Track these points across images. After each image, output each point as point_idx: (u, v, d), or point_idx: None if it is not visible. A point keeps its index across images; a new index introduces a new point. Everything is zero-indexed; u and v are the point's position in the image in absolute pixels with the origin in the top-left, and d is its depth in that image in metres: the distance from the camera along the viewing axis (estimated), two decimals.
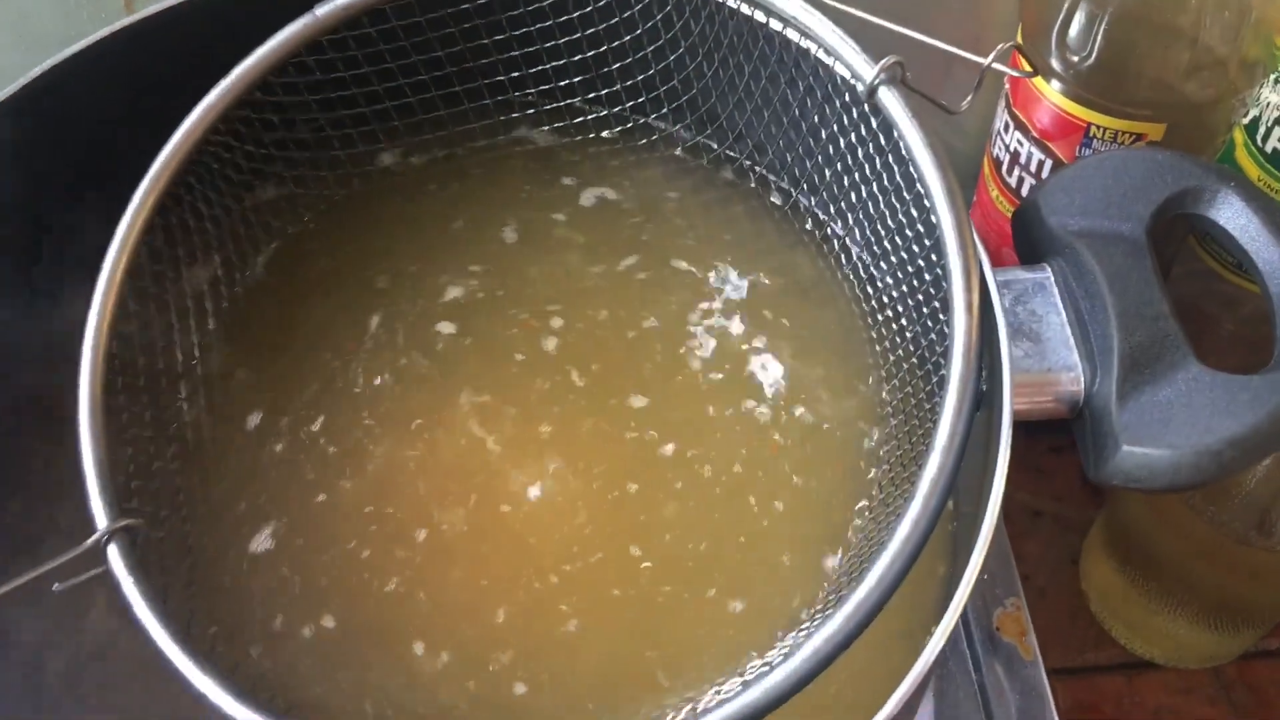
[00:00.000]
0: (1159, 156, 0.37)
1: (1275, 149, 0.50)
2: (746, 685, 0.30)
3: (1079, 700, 0.55)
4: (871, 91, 0.35)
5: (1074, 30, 0.46)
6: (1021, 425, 0.60)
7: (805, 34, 0.37)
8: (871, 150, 0.38)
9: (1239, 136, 0.52)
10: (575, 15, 0.43)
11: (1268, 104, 0.50)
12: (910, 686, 0.28)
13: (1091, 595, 0.57)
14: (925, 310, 0.36)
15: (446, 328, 0.44)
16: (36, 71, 0.40)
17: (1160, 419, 0.33)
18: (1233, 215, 0.35)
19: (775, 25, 0.38)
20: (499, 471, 0.40)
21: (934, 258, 0.35)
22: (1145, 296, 0.34)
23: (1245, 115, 0.51)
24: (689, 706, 0.32)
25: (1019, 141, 0.51)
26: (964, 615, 0.49)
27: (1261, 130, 0.50)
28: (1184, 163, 0.36)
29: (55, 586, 0.32)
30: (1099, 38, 0.46)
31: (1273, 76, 0.49)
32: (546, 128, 0.47)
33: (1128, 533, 0.53)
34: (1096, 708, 0.55)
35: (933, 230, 0.33)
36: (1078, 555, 0.58)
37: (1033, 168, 0.51)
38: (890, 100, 0.35)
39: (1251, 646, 0.55)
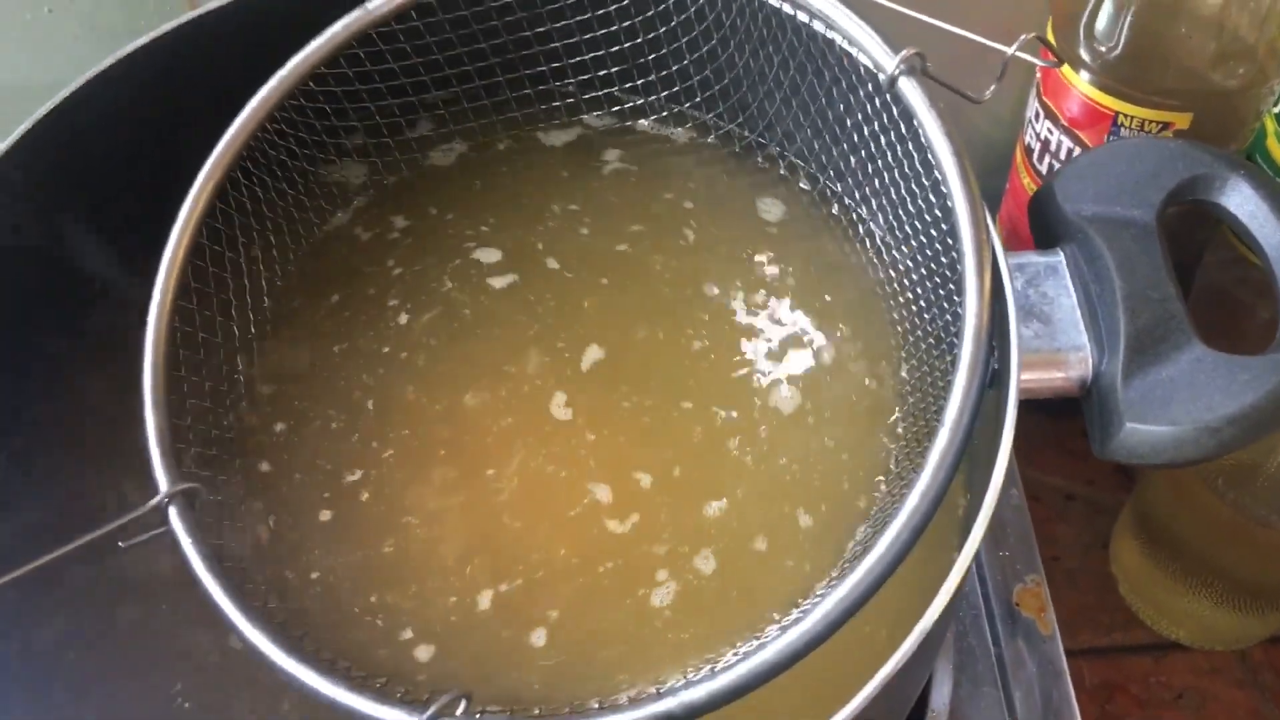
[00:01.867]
0: (1171, 145, 0.38)
1: None
2: (761, 646, 0.32)
3: (1106, 680, 0.56)
4: (892, 81, 0.36)
5: (1102, 20, 0.47)
6: (1052, 409, 0.61)
7: (830, 26, 0.38)
8: (893, 138, 0.39)
9: (1270, 125, 0.52)
10: (613, 8, 0.44)
11: None
12: (910, 647, 0.30)
13: (1120, 577, 0.58)
14: (942, 292, 0.38)
15: (493, 302, 0.46)
16: (105, 64, 0.43)
17: (1163, 397, 0.34)
18: (1241, 201, 0.36)
19: (803, 18, 0.39)
20: (562, 442, 0.42)
21: (950, 241, 0.37)
22: (1153, 280, 0.35)
23: (1275, 104, 0.51)
24: (708, 667, 0.34)
25: (1049, 130, 0.51)
26: (984, 591, 0.50)
27: None
28: (1195, 151, 0.37)
29: (120, 544, 0.35)
30: (1126, 28, 0.47)
31: None
32: (585, 116, 0.49)
33: (1154, 515, 0.53)
34: (1123, 687, 0.56)
35: (949, 215, 0.35)
36: (1108, 538, 0.59)
37: (1063, 155, 0.51)
38: (910, 90, 0.36)
39: (1279, 630, 0.56)
